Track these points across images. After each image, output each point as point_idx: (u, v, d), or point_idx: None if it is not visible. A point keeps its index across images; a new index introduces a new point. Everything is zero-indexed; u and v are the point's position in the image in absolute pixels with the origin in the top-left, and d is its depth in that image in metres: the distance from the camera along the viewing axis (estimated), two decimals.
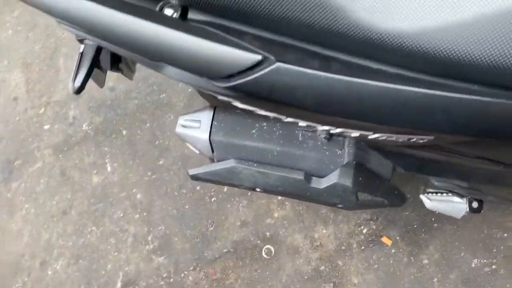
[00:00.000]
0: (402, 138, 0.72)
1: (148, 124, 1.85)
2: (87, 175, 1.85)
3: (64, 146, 1.93)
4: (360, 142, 1.10)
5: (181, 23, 0.69)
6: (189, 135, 1.14)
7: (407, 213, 1.37)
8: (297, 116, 0.78)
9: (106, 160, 1.85)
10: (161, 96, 1.87)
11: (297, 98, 0.64)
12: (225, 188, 1.65)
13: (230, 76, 0.65)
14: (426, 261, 1.33)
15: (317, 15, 0.60)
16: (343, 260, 1.42)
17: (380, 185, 1.11)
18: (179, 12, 0.70)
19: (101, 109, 1.93)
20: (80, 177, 1.86)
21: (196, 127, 1.14)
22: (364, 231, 1.42)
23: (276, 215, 1.55)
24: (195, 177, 1.17)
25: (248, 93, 0.67)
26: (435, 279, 1.30)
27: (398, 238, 1.38)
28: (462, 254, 1.30)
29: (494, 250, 1.28)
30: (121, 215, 1.76)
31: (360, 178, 1.06)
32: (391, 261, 1.36)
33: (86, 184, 1.84)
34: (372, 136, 0.75)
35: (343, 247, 1.43)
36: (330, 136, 1.08)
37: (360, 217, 1.44)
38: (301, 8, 0.60)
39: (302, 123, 0.80)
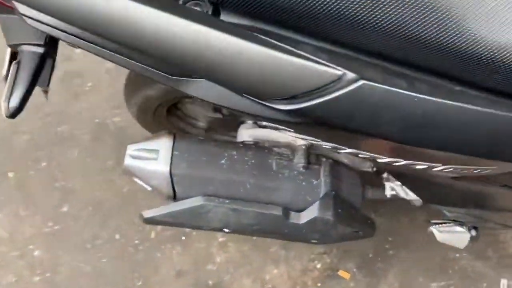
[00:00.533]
0: (468, 169, 0.65)
1: (44, 164, 1.52)
2: None
3: None
4: (336, 171, 1.01)
5: (235, 27, 0.51)
6: (142, 168, 0.93)
7: (361, 241, 1.31)
8: (366, 147, 0.65)
9: None
10: (59, 128, 1.56)
11: (382, 124, 0.52)
12: (152, 234, 1.42)
13: (294, 97, 0.50)
14: None
15: (425, 30, 0.48)
16: None
17: (355, 216, 1.03)
18: (209, 12, 0.53)
19: None
20: None
21: (152, 158, 0.93)
22: (319, 266, 1.33)
23: (218, 259, 1.36)
24: (150, 221, 0.96)
25: (318, 118, 0.53)
26: None
27: (355, 270, 1.31)
28: (420, 280, 1.28)
29: (450, 272, 1.29)
30: (14, 279, 1.39)
31: (340, 210, 0.97)
32: None
33: None
34: (438, 168, 0.66)
35: (297, 287, 1.31)
36: (307, 165, 0.97)
37: (313, 251, 1.34)
38: (400, 19, 0.48)
39: (363, 155, 0.67)
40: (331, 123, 0.54)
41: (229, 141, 1.06)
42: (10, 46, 0.77)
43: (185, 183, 0.92)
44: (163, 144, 0.93)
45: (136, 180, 0.96)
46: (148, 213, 0.94)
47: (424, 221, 1.36)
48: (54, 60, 0.81)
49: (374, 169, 1.08)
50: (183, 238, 1.40)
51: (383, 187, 1.10)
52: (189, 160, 0.92)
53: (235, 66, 0.48)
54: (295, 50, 0.49)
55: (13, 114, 0.75)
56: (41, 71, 0.76)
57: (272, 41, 0.50)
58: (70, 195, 1.48)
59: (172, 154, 0.92)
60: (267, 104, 0.53)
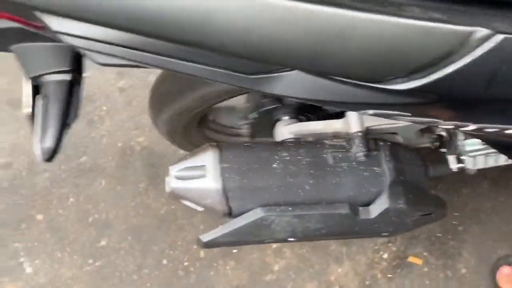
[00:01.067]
0: None
1: (72, 199, 1.43)
2: None
3: None
4: (396, 153, 0.92)
5: None
6: (191, 189, 0.84)
7: None
8: (498, 117, 0.54)
9: (21, 260, 1.37)
10: (81, 160, 1.47)
11: None
12: (201, 253, 1.32)
13: (414, 72, 0.41)
14: (464, 271, 1.18)
15: None
16: None
17: (426, 198, 0.94)
18: None
19: None
20: None
21: (201, 175, 0.83)
22: (385, 256, 1.23)
23: (276, 268, 1.27)
24: (210, 244, 0.86)
25: (446, 92, 0.43)
26: (482, 287, 1.16)
27: (426, 254, 1.21)
28: (498, 252, 1.19)
29: None
30: None
31: (410, 195, 0.88)
32: (427, 282, 1.19)
33: None
34: None
35: (367, 282, 1.21)
36: (368, 153, 0.87)
37: (376, 242, 1.25)
38: None
39: (490, 129, 0.56)
40: (461, 95, 0.45)
41: (275, 142, 0.97)
42: (31, 78, 0.67)
43: (240, 196, 0.83)
44: (208, 158, 0.84)
45: (185, 202, 0.87)
46: (207, 237, 0.84)
47: (487, 189, 1.27)
48: (80, 87, 0.72)
49: (436, 143, 1.00)
50: (234, 251, 1.30)
51: (444, 162, 1.01)
52: (240, 171, 0.83)
53: (346, 45, 0.39)
54: (406, 13, 0.40)
55: (50, 157, 0.66)
56: (72, 101, 0.67)
57: (376, 6, 0.41)
58: (106, 228, 1.39)
59: (220, 168, 0.83)
60: (380, 86, 0.44)
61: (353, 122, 0.91)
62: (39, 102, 0.66)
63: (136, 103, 1.50)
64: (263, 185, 0.83)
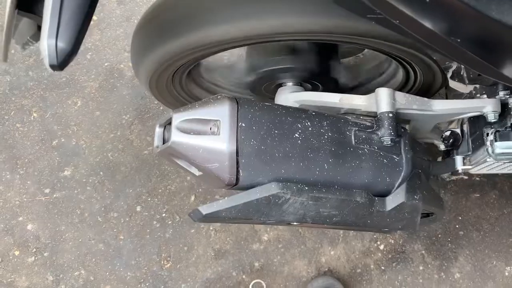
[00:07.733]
0: None
1: (35, 115, 1.20)
2: None
3: None
4: (415, 144, 0.84)
5: None
6: (196, 146, 0.65)
7: None
8: None
9: None
10: (61, 75, 1.24)
11: None
12: (185, 207, 1.16)
13: None
14: (458, 275, 1.14)
15: None
16: (360, 287, 1.12)
17: (435, 197, 0.87)
18: None
19: None
20: None
21: (212, 132, 0.67)
22: (382, 247, 1.15)
23: (265, 237, 1.14)
24: (208, 218, 0.68)
25: None
26: None
27: (423, 252, 1.16)
28: (494, 263, 1.16)
29: None
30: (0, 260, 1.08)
31: (425, 192, 0.81)
32: (421, 281, 1.13)
33: None
34: None
35: (358, 270, 1.13)
36: (396, 138, 0.77)
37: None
38: None
39: None
40: None
41: (297, 108, 0.82)
42: None
43: (254, 164, 0.67)
44: (224, 112, 0.67)
45: (180, 162, 0.69)
46: (207, 209, 0.67)
47: (494, 199, 1.23)
48: None
49: (443, 146, 0.94)
50: None
51: (449, 162, 0.94)
52: (259, 134, 0.68)
53: None
54: None
55: (64, 62, 0.49)
56: None
57: None
58: (73, 156, 1.17)
59: (237, 127, 0.67)
60: None
61: (383, 101, 0.79)
62: None
63: (135, 20, 1.29)
64: (281, 156, 0.69)
